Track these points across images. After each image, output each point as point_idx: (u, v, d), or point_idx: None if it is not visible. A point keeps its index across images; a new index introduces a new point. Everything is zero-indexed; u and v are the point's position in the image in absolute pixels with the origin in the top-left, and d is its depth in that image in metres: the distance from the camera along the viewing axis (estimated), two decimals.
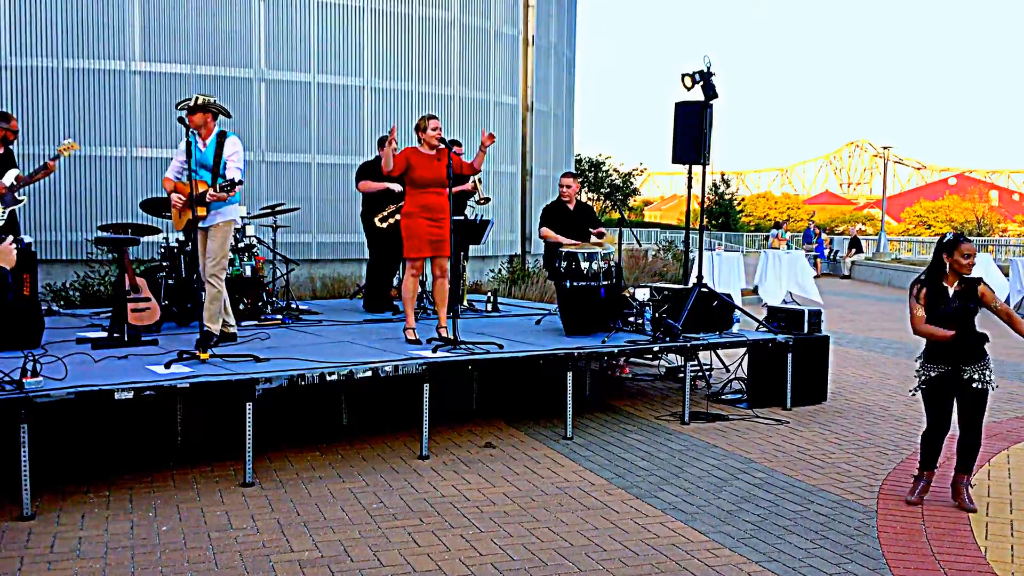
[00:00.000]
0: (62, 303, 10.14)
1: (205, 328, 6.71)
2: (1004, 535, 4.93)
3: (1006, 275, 17.73)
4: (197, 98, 6.95)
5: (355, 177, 9.35)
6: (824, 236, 30.10)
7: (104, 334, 7.08)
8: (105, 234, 8.39)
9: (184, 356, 6.07)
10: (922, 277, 5.45)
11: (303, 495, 5.43)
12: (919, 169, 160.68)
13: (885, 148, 35.58)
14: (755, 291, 16.89)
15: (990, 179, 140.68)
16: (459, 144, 8.22)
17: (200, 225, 6.94)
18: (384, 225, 8.80)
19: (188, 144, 6.58)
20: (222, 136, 6.98)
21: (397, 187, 8.57)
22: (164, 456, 6.17)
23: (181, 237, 8.31)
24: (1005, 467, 5.87)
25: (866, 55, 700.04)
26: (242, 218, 8.63)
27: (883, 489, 5.73)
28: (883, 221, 34.21)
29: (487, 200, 9.55)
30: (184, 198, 6.86)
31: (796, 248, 25.50)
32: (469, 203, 9.58)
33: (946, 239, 5.44)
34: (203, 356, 6.03)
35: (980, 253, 18.58)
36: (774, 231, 28.60)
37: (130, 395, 5.23)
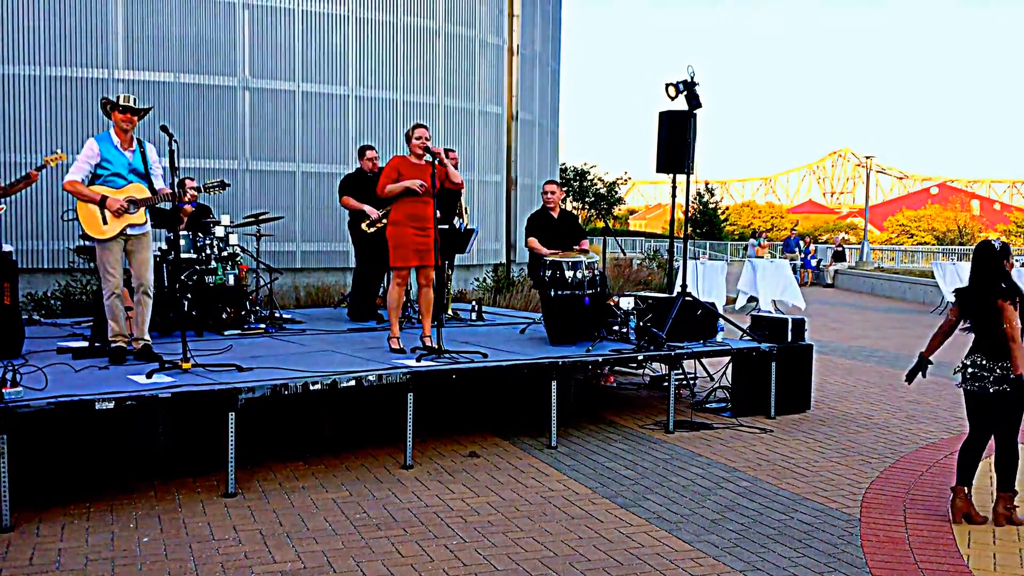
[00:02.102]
0: (43, 312, 10.07)
1: (144, 341, 6.59)
2: (987, 543, 4.95)
3: None
4: (131, 98, 6.66)
5: (338, 190, 9.35)
6: (811, 246, 30.25)
7: (85, 344, 7.03)
8: (87, 243, 8.33)
9: (166, 366, 6.03)
10: (1006, 285, 5.09)
11: (286, 505, 5.39)
12: (901, 179, 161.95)
13: (868, 158, 35.88)
14: (735, 299, 16.93)
15: (972, 188, 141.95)
16: (452, 150, 8.22)
17: (132, 233, 6.59)
18: (372, 230, 8.78)
19: (172, 152, 6.33)
20: (140, 142, 6.72)
21: (374, 213, 8.57)
22: (145, 467, 6.12)
23: (164, 246, 8.24)
24: (987, 475, 5.89)
25: (849, 65, 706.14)
26: (225, 227, 8.60)
27: (866, 497, 5.75)
28: (866, 230, 34.45)
29: (470, 231, 9.55)
30: (128, 203, 6.49)
31: (779, 256, 25.63)
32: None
33: (1000, 246, 5.17)
34: (185, 366, 6.00)
35: (964, 263, 18.71)
36: (754, 240, 28.71)
37: (111, 405, 5.19)
